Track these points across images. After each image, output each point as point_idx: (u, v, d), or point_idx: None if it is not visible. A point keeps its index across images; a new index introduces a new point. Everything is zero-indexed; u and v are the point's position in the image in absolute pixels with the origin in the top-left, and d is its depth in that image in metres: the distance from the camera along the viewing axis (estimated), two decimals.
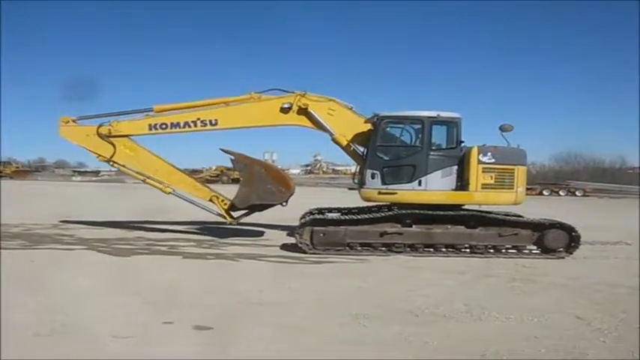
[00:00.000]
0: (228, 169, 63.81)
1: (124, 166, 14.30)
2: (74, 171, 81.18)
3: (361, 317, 7.11)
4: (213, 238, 14.28)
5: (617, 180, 50.01)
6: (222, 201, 14.10)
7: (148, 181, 14.24)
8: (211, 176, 61.75)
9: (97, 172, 75.73)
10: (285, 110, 13.73)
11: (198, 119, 13.85)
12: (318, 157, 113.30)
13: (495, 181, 12.43)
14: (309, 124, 13.81)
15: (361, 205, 14.72)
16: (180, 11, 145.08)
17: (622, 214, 26.56)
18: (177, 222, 15.80)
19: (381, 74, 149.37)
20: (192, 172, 61.39)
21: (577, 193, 43.73)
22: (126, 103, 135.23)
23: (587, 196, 43.06)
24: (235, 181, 54.92)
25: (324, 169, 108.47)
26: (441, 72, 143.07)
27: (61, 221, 17.32)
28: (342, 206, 15.84)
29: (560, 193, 43.29)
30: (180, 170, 15.05)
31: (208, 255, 12.01)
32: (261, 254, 12.17)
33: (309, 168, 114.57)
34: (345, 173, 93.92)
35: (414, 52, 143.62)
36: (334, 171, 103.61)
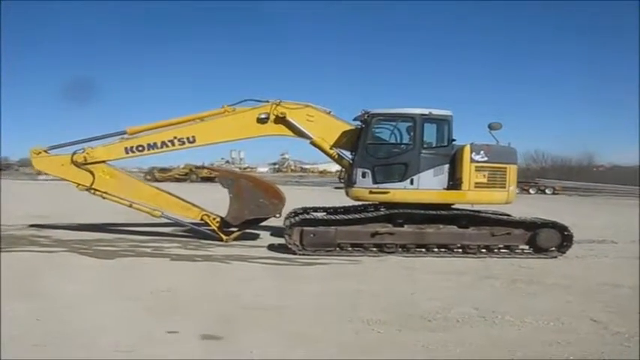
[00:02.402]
0: (197, 167, 62.90)
1: (106, 192, 13.50)
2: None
3: (373, 323, 6.83)
4: (197, 239, 13.78)
5: (584, 178, 50.72)
6: (214, 219, 13.60)
7: (135, 206, 13.57)
8: (180, 175, 60.74)
9: None
10: (262, 121, 13.27)
11: (175, 138, 13.30)
12: (286, 156, 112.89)
13: (488, 180, 12.25)
14: (288, 132, 13.36)
15: (346, 205, 14.47)
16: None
17: (596, 212, 26.89)
18: (154, 224, 15.12)
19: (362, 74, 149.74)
20: (161, 171, 61.01)
21: (547, 191, 44.13)
22: (121, 104, 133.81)
23: (557, 194, 43.49)
24: (205, 179, 54.48)
25: (293, 168, 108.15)
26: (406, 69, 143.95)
27: (32, 225, 16.50)
28: (324, 205, 15.56)
29: (531, 191, 43.49)
30: (165, 192, 14.25)
31: (196, 257, 11.55)
32: (251, 255, 11.79)
33: (276, 166, 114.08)
34: (312, 172, 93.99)
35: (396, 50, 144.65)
36: (302, 169, 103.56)
